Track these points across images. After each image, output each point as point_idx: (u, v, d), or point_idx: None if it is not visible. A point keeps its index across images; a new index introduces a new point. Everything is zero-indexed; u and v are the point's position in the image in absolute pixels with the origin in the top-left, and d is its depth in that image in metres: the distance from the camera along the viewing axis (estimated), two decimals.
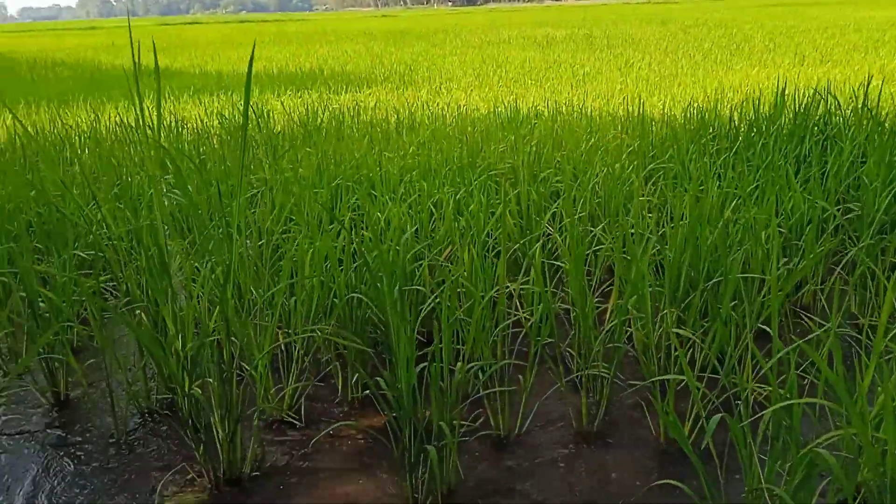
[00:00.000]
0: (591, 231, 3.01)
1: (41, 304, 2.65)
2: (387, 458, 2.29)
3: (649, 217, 2.97)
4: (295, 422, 2.50)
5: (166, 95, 8.46)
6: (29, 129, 6.16)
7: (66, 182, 3.51)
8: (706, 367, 2.48)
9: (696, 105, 5.39)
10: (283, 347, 2.78)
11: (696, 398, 2.15)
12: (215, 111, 7.18)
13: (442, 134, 5.01)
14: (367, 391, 2.69)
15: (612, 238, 2.80)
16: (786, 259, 2.88)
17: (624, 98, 7.20)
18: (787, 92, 4.51)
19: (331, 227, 2.90)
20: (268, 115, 6.41)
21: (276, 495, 2.15)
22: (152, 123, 2.31)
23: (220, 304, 2.07)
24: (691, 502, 1.93)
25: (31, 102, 8.29)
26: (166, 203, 2.93)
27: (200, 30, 40.34)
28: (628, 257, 2.54)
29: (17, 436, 2.49)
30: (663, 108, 6.30)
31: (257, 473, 2.25)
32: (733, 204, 2.88)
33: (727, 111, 4.87)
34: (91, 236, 2.63)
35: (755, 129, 4.33)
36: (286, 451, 2.36)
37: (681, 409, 2.41)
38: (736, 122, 4.50)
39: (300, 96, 8.61)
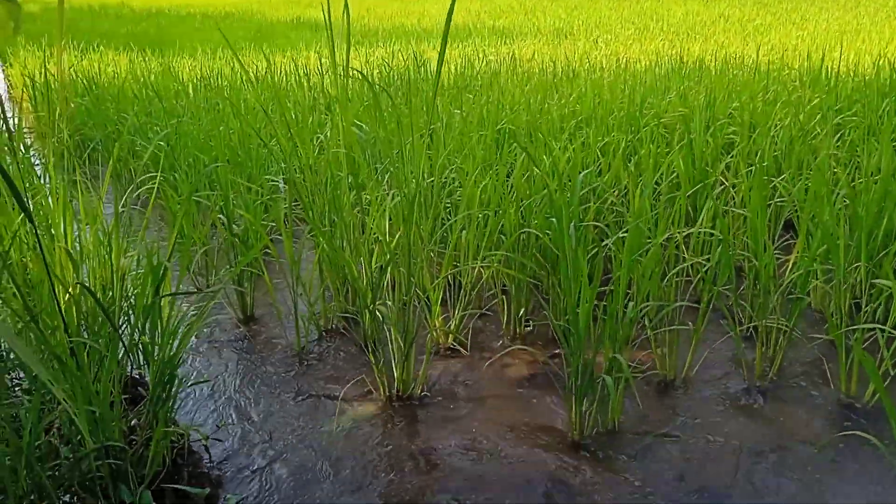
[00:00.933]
0: (773, 181, 2.87)
1: (235, 226, 2.89)
2: (549, 389, 2.35)
3: (837, 170, 2.79)
4: (461, 350, 2.60)
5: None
6: (210, 72, 6.62)
7: (251, 119, 3.77)
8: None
9: (887, 59, 4.94)
10: (450, 281, 2.88)
11: (886, 354, 2.03)
12: (375, 61, 7.39)
13: (601, 83, 4.90)
14: (529, 326, 2.75)
15: (796, 189, 2.66)
16: None
17: (799, 53, 6.71)
18: None
19: (495, 168, 2.94)
20: (426, 65, 6.51)
21: (444, 413, 2.26)
22: (341, 68, 2.42)
23: (404, 226, 2.17)
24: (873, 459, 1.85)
25: (208, 50, 8.90)
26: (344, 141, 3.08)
27: None
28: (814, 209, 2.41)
29: (210, 345, 2.76)
30: (847, 63, 5.81)
31: (427, 394, 2.37)
32: None
33: None
34: (284, 165, 2.81)
35: None
36: (453, 375, 2.47)
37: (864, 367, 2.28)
38: None
39: (456, 48, 8.67)
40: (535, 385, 2.40)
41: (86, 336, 1.89)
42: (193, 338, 2.72)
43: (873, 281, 2.12)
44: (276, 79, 5.51)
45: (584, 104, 3.99)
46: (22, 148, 2.70)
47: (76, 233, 2.20)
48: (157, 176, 2.66)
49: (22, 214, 1.89)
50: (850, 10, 11.83)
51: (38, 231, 1.72)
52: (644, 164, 2.88)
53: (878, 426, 2.07)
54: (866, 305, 2.33)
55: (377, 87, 2.25)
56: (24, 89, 6.97)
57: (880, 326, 1.91)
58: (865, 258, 2.23)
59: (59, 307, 1.70)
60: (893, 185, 2.46)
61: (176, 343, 1.93)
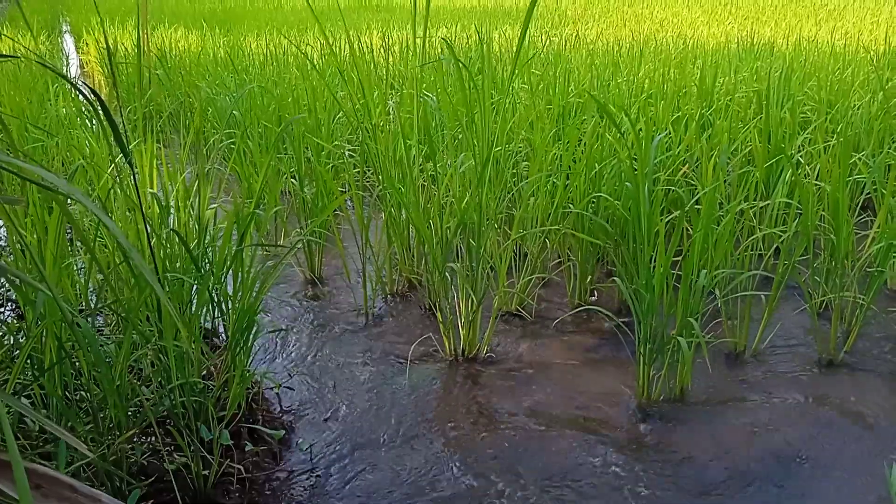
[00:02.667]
0: (853, 157, 2.79)
1: (303, 192, 2.96)
2: (613, 355, 2.35)
3: None
4: (526, 315, 2.61)
5: (391, 25, 8.86)
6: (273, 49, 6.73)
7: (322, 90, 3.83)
8: None
9: None
10: (516, 252, 2.89)
11: None
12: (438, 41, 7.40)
13: (669, 62, 4.82)
14: (593, 296, 2.74)
15: (877, 162, 2.59)
16: None
17: (875, 38, 6.46)
18: None
19: (566, 139, 2.94)
20: (489, 43, 6.49)
21: (508, 374, 2.28)
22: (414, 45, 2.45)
23: (476, 187, 2.19)
24: None
25: (265, 31, 9.05)
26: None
27: None
28: None
29: (280, 303, 2.83)
30: None
31: (492, 355, 2.39)
32: None
33: None
34: (360, 129, 2.86)
35: None
36: (517, 339, 2.49)
37: None
38: None
39: (516, 28, 8.63)
40: (598, 351, 2.40)
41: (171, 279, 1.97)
42: (264, 295, 2.80)
43: None
44: (344, 54, 5.58)
45: (654, 81, 3.93)
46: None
47: (160, 189, 2.29)
48: (233, 139, 2.73)
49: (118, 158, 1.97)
50: None
51: (133, 179, 1.79)
52: (718, 137, 2.83)
53: None
54: None
55: (454, 57, 2.27)
56: (101, 65, 7.21)
57: None
58: None
59: (151, 250, 1.78)
60: None
61: (255, 291, 1.99)
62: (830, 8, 9.64)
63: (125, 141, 1.51)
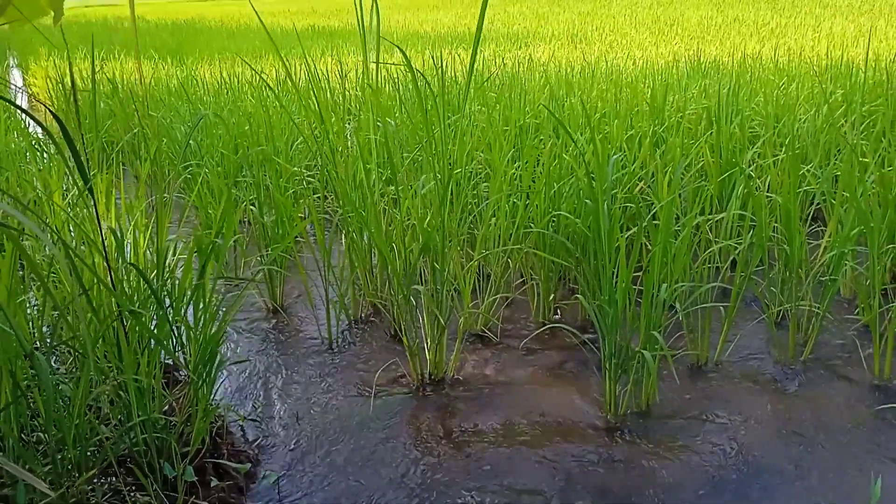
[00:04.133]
0: (802, 168, 2.88)
1: (262, 218, 2.93)
2: (578, 372, 2.36)
3: (865, 158, 2.79)
4: (492, 336, 2.62)
5: (345, 50, 8.89)
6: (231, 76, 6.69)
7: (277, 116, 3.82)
8: None
9: None
10: (479, 272, 2.90)
11: None
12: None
13: (621, 82, 4.92)
14: (557, 314, 2.76)
15: (826, 173, 2.67)
16: None
17: (817, 53, 6.70)
18: None
19: (524, 160, 2.97)
20: (445, 67, 6.56)
21: (476, 395, 2.28)
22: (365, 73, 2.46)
23: (439, 209, 2.20)
24: None
25: (227, 57, 9.00)
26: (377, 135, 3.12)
27: None
28: (846, 193, 2.41)
29: (242, 333, 2.79)
30: (866, 62, 5.81)
31: (458, 377, 2.39)
32: None
33: None
34: (319, 154, 2.85)
35: None
36: (484, 360, 2.49)
37: None
38: None
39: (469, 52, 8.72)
40: (564, 367, 2.42)
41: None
42: (226, 327, 2.75)
43: None
44: (299, 80, 5.57)
45: (606, 100, 4.01)
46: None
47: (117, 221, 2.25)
48: (186, 172, 2.70)
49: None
50: (865, 12, 11.82)
51: (95, 211, 1.76)
52: (671, 153, 2.89)
53: None
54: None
55: (416, 73, 2.29)
56: (54, 98, 7.07)
57: None
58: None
59: (112, 283, 1.74)
60: None
61: (217, 323, 1.96)
62: (772, 26, 9.98)
63: (87, 171, 1.49)
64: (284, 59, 2.73)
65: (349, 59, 8.28)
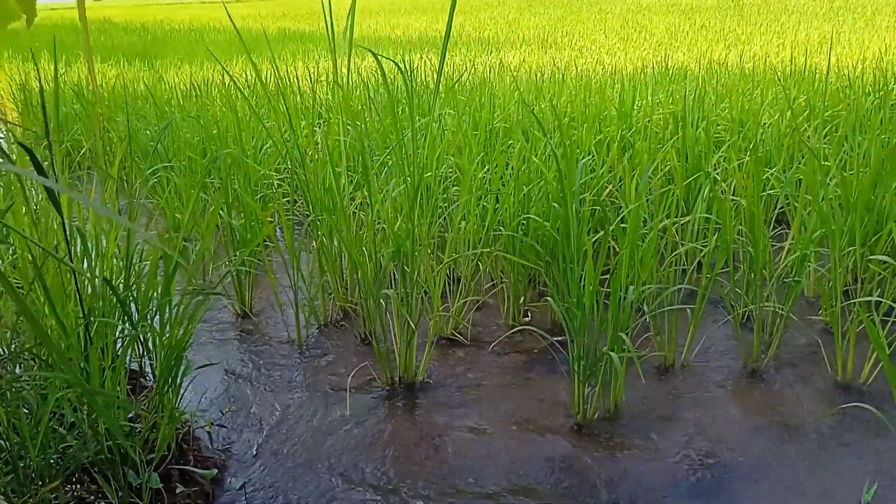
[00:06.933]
0: (766, 172, 2.93)
1: (231, 223, 2.91)
2: (548, 375, 2.38)
3: (827, 162, 2.85)
4: (462, 339, 2.62)
5: (316, 55, 8.86)
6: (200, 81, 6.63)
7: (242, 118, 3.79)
8: (890, 312, 2.38)
9: (866, 63, 5.05)
10: (449, 276, 2.91)
11: (882, 334, 2.08)
12: (367, 68, 7.43)
13: (590, 87, 4.97)
14: (527, 317, 2.77)
15: (789, 175, 2.72)
16: None
17: (781, 59, 6.83)
18: None
19: (494, 163, 2.98)
20: (416, 71, 6.56)
21: (446, 398, 2.28)
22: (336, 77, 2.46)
23: (410, 212, 2.20)
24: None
25: (191, 61, 8.91)
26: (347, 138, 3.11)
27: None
28: (809, 197, 2.46)
29: (210, 337, 2.76)
30: (829, 67, 5.94)
31: (429, 381, 2.39)
32: None
33: None
34: (289, 157, 2.83)
35: None
36: (454, 363, 2.49)
37: (859, 348, 2.33)
38: None
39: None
40: (534, 371, 2.43)
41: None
42: (192, 332, 2.72)
43: (870, 258, 2.18)
44: (269, 84, 5.54)
45: (575, 105, 4.05)
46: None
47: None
48: (155, 175, 2.67)
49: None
50: (829, 20, 12.08)
51: (61, 217, 1.73)
52: (638, 157, 2.93)
53: (873, 404, 2.12)
54: (859, 292, 2.38)
55: (387, 76, 2.29)
56: (15, 101, 6.94)
57: (878, 299, 1.96)
58: (859, 243, 2.28)
59: (79, 293, 1.71)
60: (883, 174, 2.53)
61: (182, 329, 1.93)
62: (738, 33, 10.14)
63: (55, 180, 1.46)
64: (254, 62, 2.71)
65: (322, 62, 8.25)
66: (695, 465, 1.92)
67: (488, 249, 2.64)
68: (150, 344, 2.19)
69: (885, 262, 2.22)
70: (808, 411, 2.13)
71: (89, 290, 1.94)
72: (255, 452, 2.04)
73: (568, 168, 2.12)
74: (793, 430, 2.05)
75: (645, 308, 2.39)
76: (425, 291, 2.61)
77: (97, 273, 2.18)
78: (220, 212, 2.92)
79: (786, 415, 2.12)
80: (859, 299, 2.02)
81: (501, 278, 2.81)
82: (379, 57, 2.32)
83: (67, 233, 1.77)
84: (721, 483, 1.85)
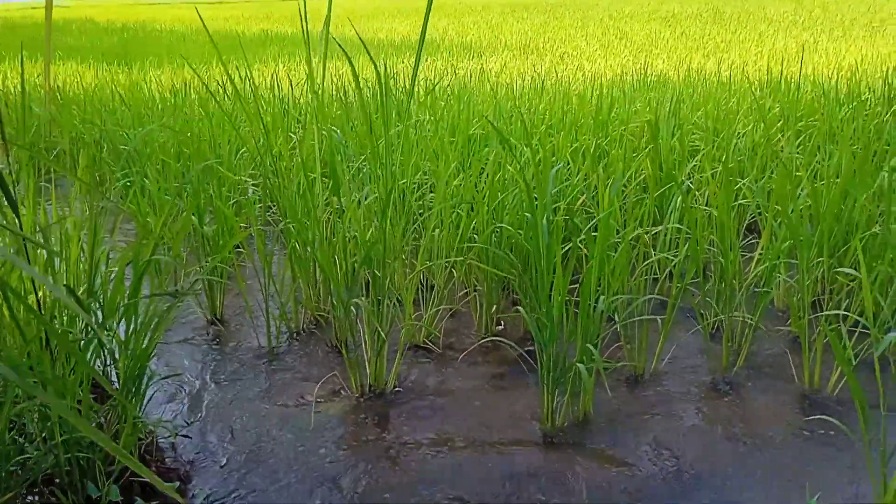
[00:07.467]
0: (738, 182, 2.95)
1: (203, 228, 2.88)
2: (519, 384, 2.37)
3: (799, 173, 2.87)
4: (434, 347, 2.61)
5: (297, 57, 8.82)
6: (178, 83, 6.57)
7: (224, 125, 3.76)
8: (856, 323, 2.40)
9: (841, 73, 5.11)
10: (422, 283, 2.89)
11: (849, 345, 2.10)
12: (347, 74, 7.40)
13: (570, 94, 4.99)
14: (500, 325, 2.77)
15: (760, 185, 2.74)
16: None
17: (759, 68, 6.90)
18: None
19: (468, 171, 2.97)
20: (396, 76, 6.56)
21: (416, 408, 2.26)
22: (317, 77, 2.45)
23: (381, 222, 2.19)
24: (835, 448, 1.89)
25: (180, 63, 8.83)
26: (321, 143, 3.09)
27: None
28: (779, 207, 2.48)
29: (178, 345, 2.73)
30: (806, 76, 6.01)
31: (399, 390, 2.37)
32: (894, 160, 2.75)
33: (879, 79, 4.60)
34: (263, 164, 2.81)
35: None
36: (425, 372, 2.48)
37: (826, 359, 2.34)
38: (890, 87, 4.25)
39: (425, 61, 8.75)
40: (506, 380, 2.42)
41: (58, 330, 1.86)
42: (162, 337, 2.69)
43: (838, 269, 2.19)
44: (247, 90, 5.50)
45: (553, 113, 4.06)
46: None
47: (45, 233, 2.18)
48: (127, 180, 2.64)
49: None
50: (807, 28, 12.22)
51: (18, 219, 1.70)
52: (613, 166, 2.93)
53: (840, 416, 2.13)
54: (827, 303, 2.40)
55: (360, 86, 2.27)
56: None
57: (844, 312, 1.97)
58: (827, 254, 2.30)
59: (38, 302, 1.68)
60: (853, 185, 2.55)
61: (147, 337, 1.91)
62: (718, 41, 10.24)
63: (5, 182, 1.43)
64: (229, 66, 2.68)
65: (302, 66, 8.21)
66: (660, 476, 1.92)
67: (461, 258, 2.63)
68: (116, 352, 2.15)
69: (853, 270, 2.24)
70: (772, 421, 2.14)
71: (51, 298, 1.91)
72: (222, 463, 2.01)
73: (539, 178, 2.12)
74: (759, 440, 2.06)
75: (616, 318, 2.40)
76: (398, 299, 2.60)
77: (64, 280, 2.15)
78: (193, 216, 2.89)
79: (752, 425, 2.13)
80: (825, 313, 2.03)
81: (475, 286, 2.80)
82: (355, 60, 2.31)
83: (25, 239, 1.74)
84: (684, 493, 1.85)
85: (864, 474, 1.87)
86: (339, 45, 2.30)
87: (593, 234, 2.26)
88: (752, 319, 2.32)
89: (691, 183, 3.08)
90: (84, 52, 10.19)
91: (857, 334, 2.31)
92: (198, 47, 11.88)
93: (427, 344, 2.64)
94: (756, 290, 2.49)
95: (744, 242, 3.01)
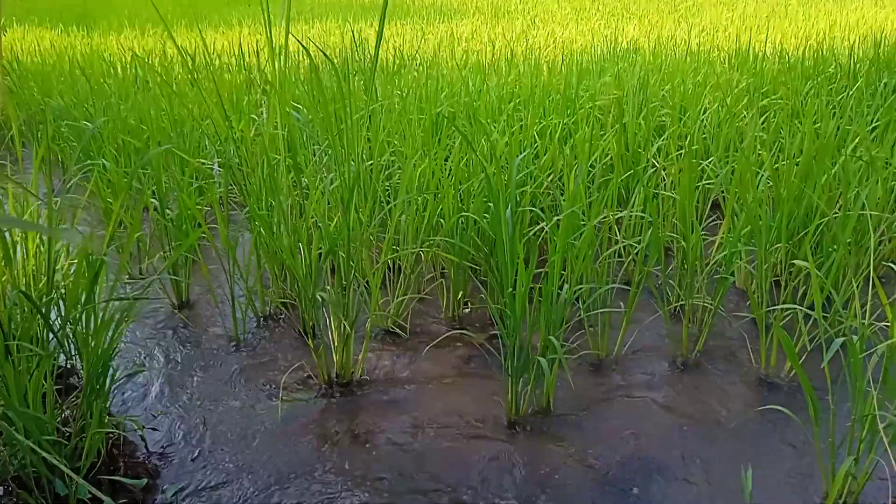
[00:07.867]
0: (701, 164, 2.97)
1: (168, 211, 2.84)
2: (486, 371, 2.40)
3: (761, 153, 2.90)
4: (401, 334, 2.63)
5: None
6: (139, 52, 6.40)
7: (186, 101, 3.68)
8: (812, 307, 2.46)
9: (810, 42, 5.14)
10: (390, 266, 2.90)
11: (804, 331, 2.15)
12: (313, 38, 7.26)
13: (540, 65, 4.96)
14: (467, 309, 2.79)
15: (723, 172, 2.77)
16: None
17: (729, 34, 6.90)
18: None
19: (434, 152, 2.96)
20: (365, 43, 6.45)
21: (383, 396, 2.29)
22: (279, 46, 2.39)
23: (346, 209, 2.18)
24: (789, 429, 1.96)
25: (135, 26, 8.59)
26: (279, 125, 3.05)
27: None
28: (739, 191, 2.51)
29: (144, 333, 2.72)
30: (774, 46, 6.02)
31: (367, 377, 2.39)
32: (854, 143, 2.79)
33: (846, 49, 4.63)
34: (220, 147, 2.77)
35: (875, 67, 4.11)
36: (393, 359, 2.50)
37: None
38: (856, 60, 4.28)
39: (394, 25, 8.61)
40: (472, 367, 2.45)
41: (14, 331, 1.85)
42: (122, 333, 2.67)
43: (792, 262, 2.24)
44: (209, 57, 5.38)
45: (523, 86, 4.03)
46: None
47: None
48: (87, 161, 2.59)
49: None
50: None
51: None
52: (579, 147, 2.94)
53: (795, 399, 2.20)
54: (786, 285, 2.45)
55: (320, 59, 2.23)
56: None
57: (798, 307, 2.02)
58: (786, 239, 2.35)
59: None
60: (814, 167, 2.58)
61: (110, 334, 1.89)
62: (689, 4, 10.19)
63: None
64: (193, 29, 2.61)
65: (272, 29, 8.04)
66: (619, 460, 1.97)
67: (426, 246, 2.63)
68: (78, 345, 2.14)
69: (807, 262, 2.28)
70: (728, 403, 2.20)
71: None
72: (189, 457, 2.02)
73: (501, 172, 2.12)
74: (715, 422, 2.12)
75: (580, 304, 2.43)
76: (365, 284, 2.60)
77: (21, 274, 2.12)
78: (154, 200, 2.85)
79: (709, 408, 2.19)
80: (778, 306, 2.07)
81: (442, 271, 2.81)
82: (325, 25, 2.26)
83: None
84: (642, 477, 1.90)
85: (811, 449, 1.94)
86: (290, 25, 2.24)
87: (557, 218, 2.28)
88: (712, 305, 2.37)
89: (658, 162, 3.10)
90: (40, 14, 9.85)
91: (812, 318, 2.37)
92: (161, 6, 11.54)
93: (395, 329, 2.65)
94: (718, 271, 2.53)
95: (708, 222, 3.04)
